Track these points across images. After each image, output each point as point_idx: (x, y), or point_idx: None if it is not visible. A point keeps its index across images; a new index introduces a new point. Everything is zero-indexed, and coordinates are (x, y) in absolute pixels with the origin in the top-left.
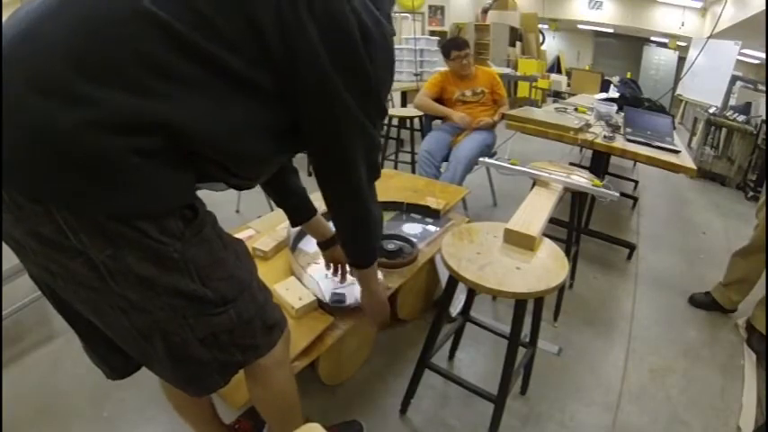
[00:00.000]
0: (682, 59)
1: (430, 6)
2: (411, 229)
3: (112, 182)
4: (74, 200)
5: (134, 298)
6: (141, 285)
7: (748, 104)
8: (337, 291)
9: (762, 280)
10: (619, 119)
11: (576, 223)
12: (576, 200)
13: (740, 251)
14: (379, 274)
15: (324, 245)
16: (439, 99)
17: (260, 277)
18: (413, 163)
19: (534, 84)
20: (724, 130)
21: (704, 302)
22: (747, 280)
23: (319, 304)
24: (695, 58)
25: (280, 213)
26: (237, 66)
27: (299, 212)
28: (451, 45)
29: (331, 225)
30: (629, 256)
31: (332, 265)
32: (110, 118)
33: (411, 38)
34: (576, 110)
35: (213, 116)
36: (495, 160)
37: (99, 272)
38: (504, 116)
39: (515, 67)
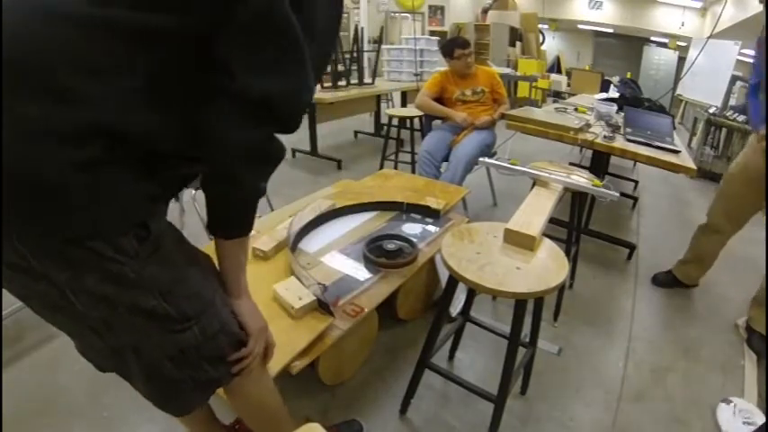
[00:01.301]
0: (682, 59)
1: (430, 6)
2: (411, 229)
3: (57, 204)
4: (22, 227)
5: (100, 317)
6: (103, 304)
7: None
8: None
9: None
10: (619, 119)
11: (576, 223)
12: (576, 200)
13: (701, 227)
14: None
15: None
16: (439, 99)
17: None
18: (413, 163)
19: (534, 84)
20: (724, 130)
21: (666, 281)
22: (705, 258)
23: (319, 304)
24: (695, 58)
25: (280, 213)
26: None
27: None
28: (455, 44)
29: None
30: (629, 256)
31: None
32: (39, 131)
33: (411, 38)
34: (576, 110)
35: (146, 104)
36: (495, 160)
37: (64, 294)
38: (504, 115)
39: (515, 67)
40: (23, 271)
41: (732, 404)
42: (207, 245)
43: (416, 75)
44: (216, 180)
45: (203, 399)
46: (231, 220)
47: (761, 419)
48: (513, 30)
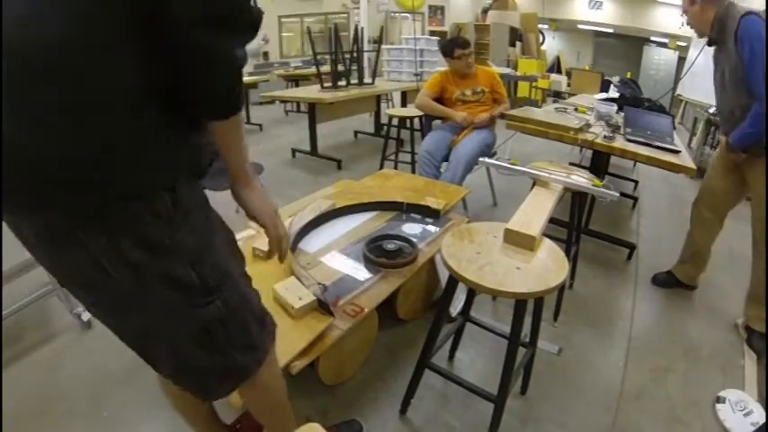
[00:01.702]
0: (682, 59)
1: (430, 6)
2: (411, 229)
3: (103, 161)
4: (68, 188)
5: (130, 290)
6: (135, 273)
7: None
8: None
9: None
10: (619, 119)
11: (576, 223)
12: (576, 200)
13: (690, 221)
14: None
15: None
16: (439, 99)
17: (245, 268)
18: (413, 163)
19: (534, 84)
20: None
21: (666, 281)
22: (700, 253)
23: (319, 304)
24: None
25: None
26: None
27: None
28: (455, 44)
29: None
30: (629, 256)
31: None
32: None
33: (411, 38)
34: (576, 110)
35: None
36: (495, 160)
37: (100, 264)
38: (503, 114)
39: (515, 67)
40: (55, 242)
41: (726, 401)
42: None
43: (416, 75)
44: (192, 62)
45: (232, 386)
46: (218, 97)
47: (755, 406)
48: (513, 30)
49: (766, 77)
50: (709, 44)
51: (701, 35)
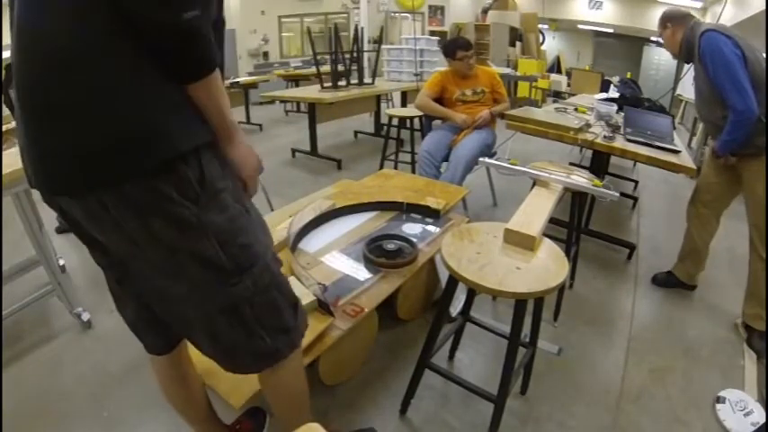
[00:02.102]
0: None
1: (430, 6)
2: (411, 229)
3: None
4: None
5: (163, 267)
6: (167, 251)
7: None
8: None
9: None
10: (619, 119)
11: (576, 223)
12: (576, 200)
13: (686, 218)
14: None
15: None
16: (439, 99)
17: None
18: (413, 163)
19: (534, 84)
20: None
21: (666, 281)
22: (698, 250)
23: (319, 304)
24: None
25: (280, 213)
26: None
27: None
28: (457, 45)
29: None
30: (629, 256)
31: None
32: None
33: (411, 38)
34: (576, 110)
35: None
36: (495, 160)
37: (135, 242)
38: (503, 114)
39: (515, 67)
40: (101, 222)
41: (726, 401)
42: None
43: (416, 75)
44: (150, 37)
45: (259, 367)
46: (182, 61)
47: (755, 406)
48: (513, 30)
49: (734, 87)
50: (686, 62)
51: (674, 57)
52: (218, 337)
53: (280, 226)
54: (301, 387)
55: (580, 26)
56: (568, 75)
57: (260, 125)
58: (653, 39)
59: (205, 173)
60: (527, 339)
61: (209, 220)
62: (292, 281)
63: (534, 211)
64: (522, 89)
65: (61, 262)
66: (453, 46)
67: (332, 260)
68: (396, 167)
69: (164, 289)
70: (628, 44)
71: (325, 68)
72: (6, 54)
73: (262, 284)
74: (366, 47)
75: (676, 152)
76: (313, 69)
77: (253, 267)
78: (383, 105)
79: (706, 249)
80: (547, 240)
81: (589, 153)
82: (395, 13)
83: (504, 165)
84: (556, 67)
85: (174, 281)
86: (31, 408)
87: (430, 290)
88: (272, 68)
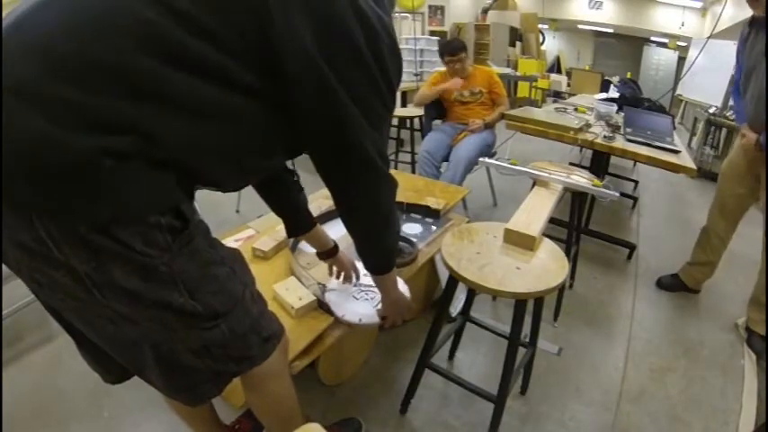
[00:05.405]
0: (682, 59)
1: (430, 6)
2: (411, 229)
3: (84, 188)
4: (48, 209)
5: (121, 310)
6: (128, 298)
7: None
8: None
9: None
10: (619, 119)
11: (576, 223)
12: (576, 200)
13: (703, 230)
14: (400, 282)
15: (323, 255)
16: (438, 99)
17: (256, 287)
18: (413, 163)
19: (534, 84)
20: (724, 130)
21: (671, 284)
22: (712, 262)
23: (319, 304)
24: (695, 58)
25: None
26: (227, 72)
27: (297, 225)
28: (446, 49)
29: (330, 235)
30: (629, 256)
31: (335, 271)
32: (76, 118)
33: (411, 38)
34: (576, 110)
35: (191, 125)
36: (495, 160)
37: (84, 284)
38: (503, 116)
39: (515, 67)
40: (41, 257)
41: None
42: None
43: (416, 75)
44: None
45: (219, 390)
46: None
47: None
48: (513, 30)
49: None
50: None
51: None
52: (176, 369)
53: (280, 226)
54: (288, 407)
55: (580, 26)
56: (568, 75)
57: None
58: (653, 39)
59: (185, 216)
60: (527, 339)
61: (178, 268)
62: (292, 281)
63: (534, 211)
64: (522, 89)
65: None
66: (443, 50)
67: None
68: (396, 167)
69: (112, 331)
70: (628, 44)
71: None
72: None
73: (240, 330)
74: None
75: (676, 152)
76: None
77: (229, 313)
78: None
79: (718, 260)
80: (547, 240)
81: (589, 153)
82: (395, 13)
83: (505, 165)
84: (556, 67)
85: (131, 324)
86: (31, 407)
87: (430, 290)
88: None
